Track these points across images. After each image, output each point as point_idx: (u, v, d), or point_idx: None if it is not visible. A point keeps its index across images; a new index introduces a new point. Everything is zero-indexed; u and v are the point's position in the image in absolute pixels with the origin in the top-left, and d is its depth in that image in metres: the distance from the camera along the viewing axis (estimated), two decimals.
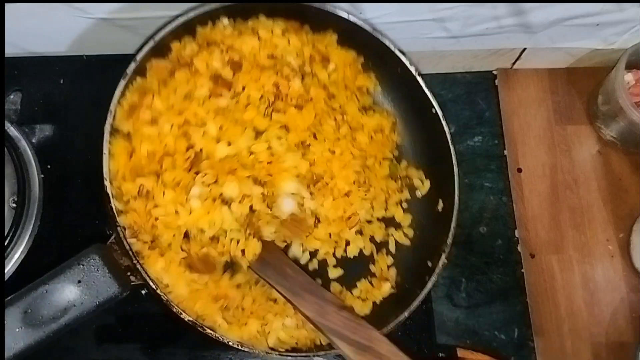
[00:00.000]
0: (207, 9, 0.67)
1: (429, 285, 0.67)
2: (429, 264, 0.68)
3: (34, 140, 0.76)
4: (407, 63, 0.70)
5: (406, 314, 0.65)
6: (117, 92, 0.63)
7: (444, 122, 0.70)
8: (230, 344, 0.61)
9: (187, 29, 0.68)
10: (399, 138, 0.75)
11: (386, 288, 0.69)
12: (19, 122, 0.76)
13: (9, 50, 0.77)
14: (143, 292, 0.61)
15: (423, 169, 0.74)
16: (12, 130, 0.74)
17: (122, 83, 0.63)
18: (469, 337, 0.74)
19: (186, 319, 0.60)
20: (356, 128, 0.71)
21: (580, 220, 0.80)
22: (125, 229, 0.59)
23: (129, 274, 0.59)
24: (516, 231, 0.79)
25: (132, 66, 0.64)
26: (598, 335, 0.76)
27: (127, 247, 0.58)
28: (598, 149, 0.83)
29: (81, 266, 0.56)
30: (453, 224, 0.68)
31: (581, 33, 0.78)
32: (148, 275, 0.58)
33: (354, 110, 0.72)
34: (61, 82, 0.80)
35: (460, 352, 0.71)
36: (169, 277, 0.62)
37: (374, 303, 0.69)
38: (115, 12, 0.72)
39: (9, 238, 0.69)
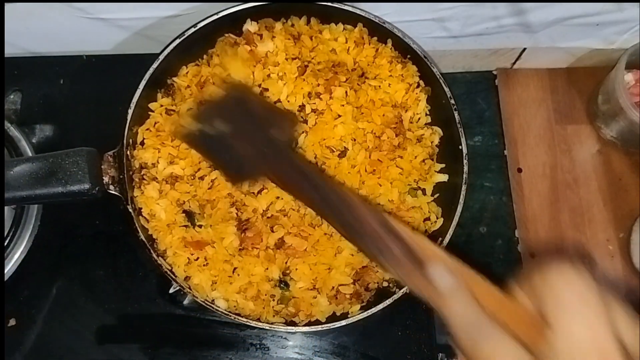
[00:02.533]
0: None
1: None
2: None
3: (34, 140, 0.76)
4: (451, 102, 0.69)
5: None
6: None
7: (465, 162, 0.67)
8: (174, 278, 0.63)
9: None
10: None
11: None
12: (19, 122, 0.77)
13: (9, 50, 0.77)
14: (121, 207, 0.64)
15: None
16: (12, 130, 0.74)
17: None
18: None
19: (140, 238, 0.63)
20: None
21: (580, 220, 0.80)
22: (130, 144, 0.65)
23: (109, 182, 0.63)
24: (516, 231, 0.79)
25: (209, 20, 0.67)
26: None
27: (124, 159, 0.64)
28: (598, 149, 0.83)
29: (67, 157, 0.61)
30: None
31: (581, 33, 0.78)
32: (127, 191, 0.64)
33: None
34: (61, 82, 0.80)
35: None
36: (157, 208, 0.65)
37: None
38: (115, 12, 0.72)
39: (9, 238, 0.69)
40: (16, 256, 0.71)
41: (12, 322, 0.71)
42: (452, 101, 0.68)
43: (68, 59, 0.80)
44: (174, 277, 0.63)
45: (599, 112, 0.81)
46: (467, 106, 0.83)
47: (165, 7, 0.72)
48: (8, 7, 0.68)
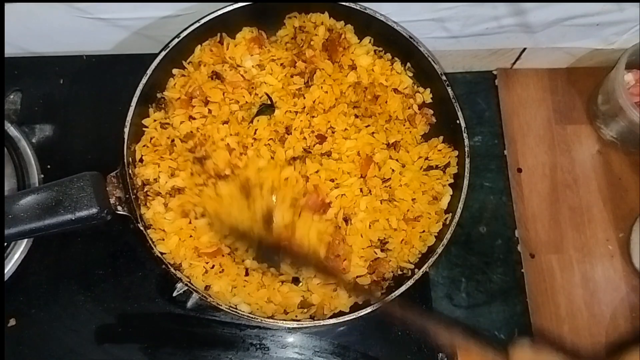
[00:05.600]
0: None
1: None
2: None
3: (34, 140, 0.77)
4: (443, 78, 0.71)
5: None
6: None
7: (465, 135, 0.69)
8: (195, 289, 0.63)
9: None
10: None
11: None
12: (19, 122, 0.77)
13: (9, 50, 0.77)
14: (131, 225, 0.64)
15: None
16: (12, 130, 0.74)
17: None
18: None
19: (155, 254, 0.63)
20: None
21: (580, 220, 0.80)
22: (131, 162, 0.65)
23: (117, 204, 0.63)
24: (516, 231, 0.79)
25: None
26: (598, 335, 0.76)
27: (128, 179, 0.64)
28: (598, 149, 0.83)
29: (72, 184, 0.61)
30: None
31: (581, 33, 0.78)
32: (135, 209, 0.64)
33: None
34: (61, 82, 0.80)
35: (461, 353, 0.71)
36: (165, 222, 0.65)
37: None
38: (115, 12, 0.72)
39: None
40: (16, 256, 0.71)
41: (12, 322, 0.70)
42: (444, 77, 0.70)
43: (68, 59, 0.80)
44: (194, 288, 0.63)
45: (598, 112, 0.81)
46: (467, 106, 0.83)
47: (165, 7, 0.72)
48: (8, 7, 0.68)
